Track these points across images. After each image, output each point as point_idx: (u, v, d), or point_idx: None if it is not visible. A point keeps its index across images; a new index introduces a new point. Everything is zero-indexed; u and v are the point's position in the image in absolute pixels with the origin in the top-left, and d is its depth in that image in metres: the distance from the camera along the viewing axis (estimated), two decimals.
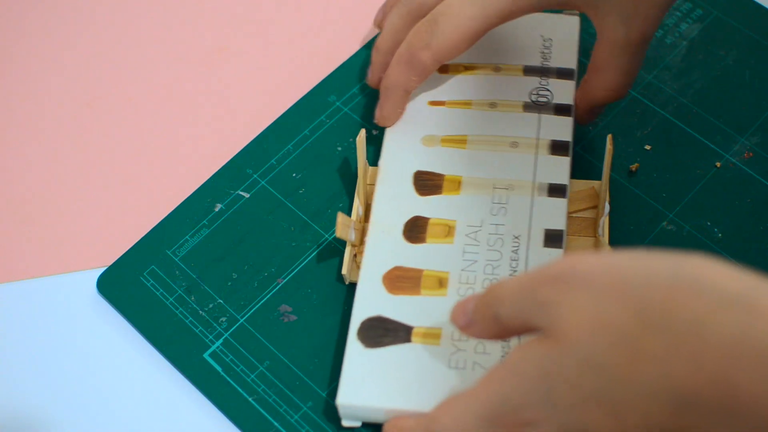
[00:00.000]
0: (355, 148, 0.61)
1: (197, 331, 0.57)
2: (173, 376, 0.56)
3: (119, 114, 0.65)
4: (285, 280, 0.58)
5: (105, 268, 0.59)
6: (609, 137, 0.56)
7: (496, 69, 0.62)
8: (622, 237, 0.58)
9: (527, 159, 0.58)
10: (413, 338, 0.53)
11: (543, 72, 0.61)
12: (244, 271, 0.58)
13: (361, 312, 0.54)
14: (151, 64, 0.67)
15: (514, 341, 0.52)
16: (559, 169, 0.58)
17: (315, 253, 0.59)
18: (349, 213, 0.60)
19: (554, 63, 0.62)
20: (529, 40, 0.63)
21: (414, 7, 0.59)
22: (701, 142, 0.61)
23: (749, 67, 0.63)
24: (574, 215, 0.58)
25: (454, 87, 0.61)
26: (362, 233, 0.58)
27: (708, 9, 0.66)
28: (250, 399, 0.55)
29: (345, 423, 0.53)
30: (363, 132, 0.58)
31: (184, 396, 0.56)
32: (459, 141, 0.59)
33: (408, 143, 0.59)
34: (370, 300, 0.54)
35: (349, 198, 0.60)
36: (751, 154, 0.61)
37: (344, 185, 0.61)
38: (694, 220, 0.59)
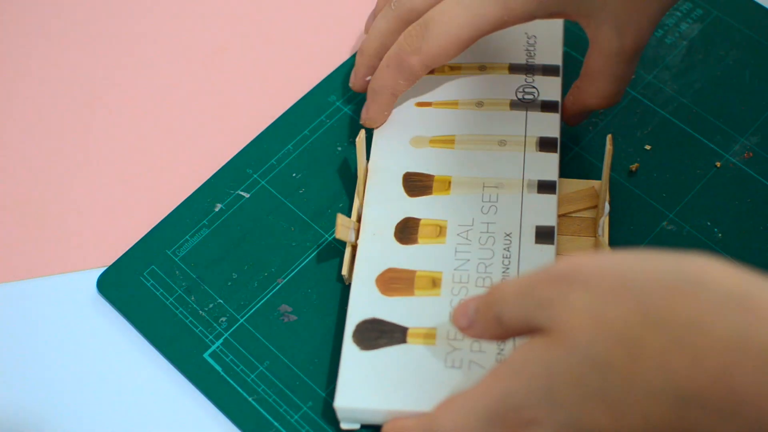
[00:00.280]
0: (355, 148, 0.61)
1: (197, 331, 0.57)
2: (173, 376, 0.56)
3: (119, 114, 0.65)
4: (285, 280, 0.58)
5: (105, 268, 0.59)
6: (609, 137, 0.56)
7: (482, 68, 0.62)
8: (622, 237, 0.58)
9: (516, 157, 0.58)
10: (409, 339, 0.53)
11: (528, 69, 0.62)
12: (244, 271, 0.58)
13: (355, 314, 0.54)
14: (151, 64, 0.67)
15: (509, 341, 0.52)
16: (548, 165, 0.58)
17: (315, 253, 0.59)
18: (348, 213, 0.60)
19: (539, 60, 0.62)
20: (514, 38, 0.63)
21: (403, 12, 0.59)
22: (701, 142, 0.61)
23: (749, 67, 0.63)
24: (574, 215, 0.58)
25: (440, 87, 0.61)
26: None
27: (708, 9, 0.66)
28: (250, 399, 0.55)
29: (344, 426, 0.53)
30: (363, 132, 0.58)
31: (184, 396, 0.56)
32: (447, 141, 0.59)
33: (396, 145, 0.60)
34: (365, 302, 0.54)
35: (349, 198, 0.60)
36: (751, 154, 0.61)
37: (344, 185, 0.61)
38: (694, 220, 0.59)
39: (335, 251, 0.59)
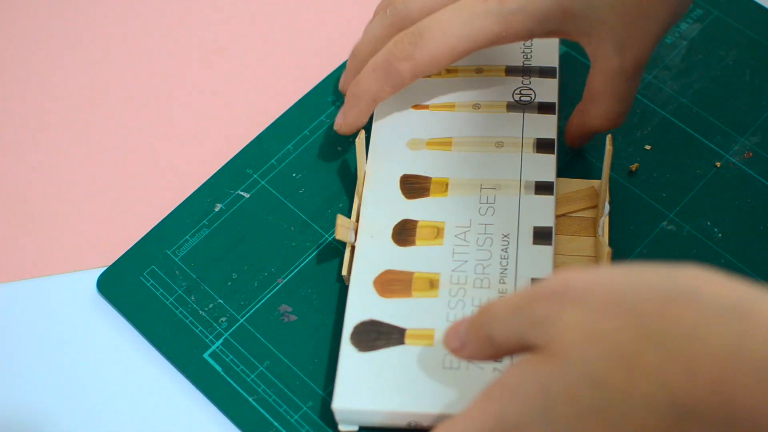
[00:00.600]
0: (354, 149, 0.61)
1: (197, 331, 0.57)
2: (173, 376, 0.56)
3: (119, 114, 0.65)
4: (285, 280, 0.58)
5: (105, 268, 0.59)
6: (609, 137, 0.56)
7: (479, 70, 0.62)
8: (622, 237, 0.58)
9: (513, 158, 0.58)
10: (406, 340, 0.53)
11: (525, 71, 0.62)
12: (244, 271, 0.58)
13: (353, 316, 0.54)
14: (151, 64, 0.67)
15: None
16: (545, 166, 0.58)
17: (315, 253, 0.59)
18: (348, 213, 0.60)
19: (536, 62, 0.62)
20: None
21: (398, 18, 0.58)
22: (701, 142, 0.61)
23: (749, 67, 0.63)
24: (574, 215, 0.58)
25: (437, 90, 0.61)
26: None
27: (708, 9, 0.66)
28: (250, 399, 0.55)
29: (342, 428, 0.53)
30: (362, 133, 0.58)
31: (184, 396, 0.56)
32: (444, 143, 0.59)
33: (393, 147, 0.60)
34: (362, 304, 0.54)
35: (349, 198, 0.60)
36: (751, 154, 0.61)
37: (344, 185, 0.61)
38: (694, 220, 0.59)
39: (335, 251, 0.59)
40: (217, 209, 0.61)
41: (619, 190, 0.60)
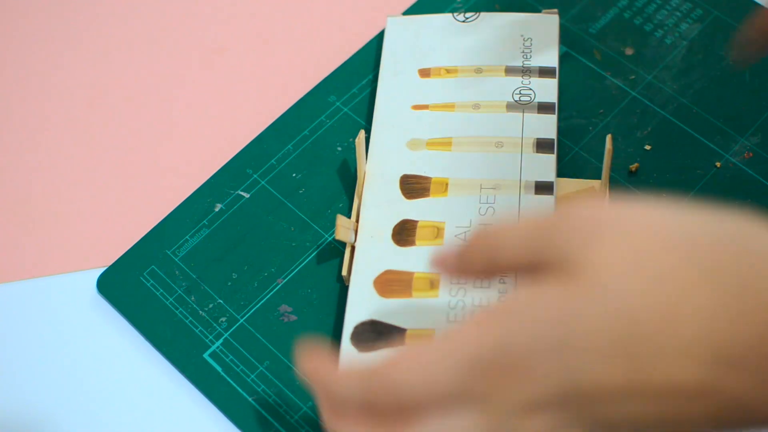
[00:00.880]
0: (354, 149, 0.61)
1: (197, 331, 0.57)
2: (173, 376, 0.56)
3: (119, 114, 0.65)
4: (285, 280, 0.58)
5: (105, 268, 0.59)
6: (609, 137, 0.56)
7: (478, 70, 0.62)
8: None
9: (513, 158, 0.58)
10: (407, 340, 0.53)
11: (525, 71, 0.62)
12: (244, 271, 0.58)
13: (353, 317, 0.54)
14: (151, 64, 0.67)
15: None
16: (545, 166, 0.58)
17: (315, 253, 0.59)
18: (348, 214, 0.60)
19: (535, 62, 0.62)
20: (510, 41, 0.63)
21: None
22: (701, 142, 0.61)
23: (749, 67, 0.63)
24: None
25: (436, 90, 0.61)
26: None
27: (708, 9, 0.66)
28: (250, 399, 0.55)
29: None
30: (362, 133, 0.58)
31: (184, 396, 0.56)
32: (444, 143, 0.59)
33: (393, 148, 0.60)
34: (362, 304, 0.54)
35: (349, 198, 0.60)
36: (751, 154, 0.61)
37: (344, 185, 0.61)
38: None
39: (335, 251, 0.59)
40: (217, 209, 0.61)
41: (619, 190, 0.60)
